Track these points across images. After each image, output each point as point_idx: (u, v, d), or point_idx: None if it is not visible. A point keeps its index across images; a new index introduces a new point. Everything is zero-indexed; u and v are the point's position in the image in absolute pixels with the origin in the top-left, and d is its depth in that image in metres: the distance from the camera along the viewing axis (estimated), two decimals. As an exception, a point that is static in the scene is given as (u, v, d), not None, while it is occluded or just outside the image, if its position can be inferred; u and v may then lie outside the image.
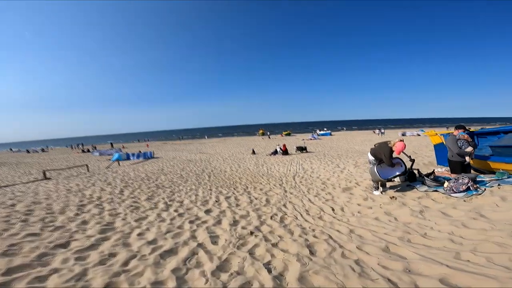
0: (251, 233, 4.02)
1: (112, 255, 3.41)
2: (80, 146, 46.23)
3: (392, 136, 39.63)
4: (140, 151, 24.46)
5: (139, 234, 4.04)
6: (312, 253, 3.23)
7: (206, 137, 63.80)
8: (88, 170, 14.28)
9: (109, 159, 20.91)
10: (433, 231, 3.45)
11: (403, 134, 40.13)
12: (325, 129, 61.21)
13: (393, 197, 5.36)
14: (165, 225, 4.46)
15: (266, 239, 3.75)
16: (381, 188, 5.98)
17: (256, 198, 6.47)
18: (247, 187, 8.01)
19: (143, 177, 10.62)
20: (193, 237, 3.93)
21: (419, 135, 36.75)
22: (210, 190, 7.67)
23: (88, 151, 36.70)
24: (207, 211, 5.33)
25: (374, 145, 6.36)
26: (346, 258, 3.02)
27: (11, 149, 60.06)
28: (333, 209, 5.21)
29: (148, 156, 21.49)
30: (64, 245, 3.72)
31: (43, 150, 45.57)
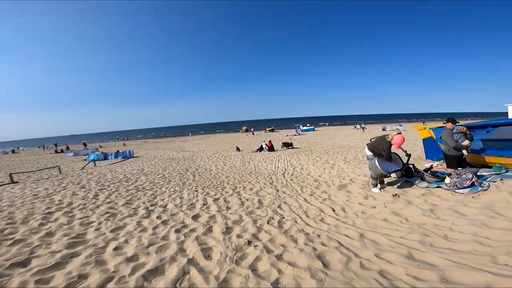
0: (249, 242, 3.50)
1: (82, 276, 2.79)
2: (53, 146, 43.34)
3: (373, 130, 40.52)
4: (118, 151, 23.14)
5: (115, 249, 3.40)
6: (325, 265, 2.78)
7: (190, 134, 62.01)
8: (60, 172, 13.08)
9: (85, 160, 19.56)
10: (454, 232, 3.13)
11: (383, 129, 41.18)
12: (308, 124, 61.73)
13: (395, 194, 5.05)
14: (147, 235, 3.83)
15: (268, 250, 3.26)
16: (379, 185, 5.69)
17: (247, 200, 5.96)
18: (235, 187, 7.48)
19: (121, 179, 9.77)
20: (182, 250, 3.35)
21: (398, 129, 37.83)
22: (196, 191, 7.06)
23: (62, 151, 34.43)
24: (195, 217, 4.73)
25: (370, 140, 6.06)
26: (367, 270, 2.60)
27: (-26, 151, 55.48)
28: (333, 210, 4.81)
29: (127, 156, 20.32)
30: (24, 263, 3.05)
31: (13, 151, 42.41)
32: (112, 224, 4.38)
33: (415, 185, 5.52)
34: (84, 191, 7.54)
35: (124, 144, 40.80)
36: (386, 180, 6.12)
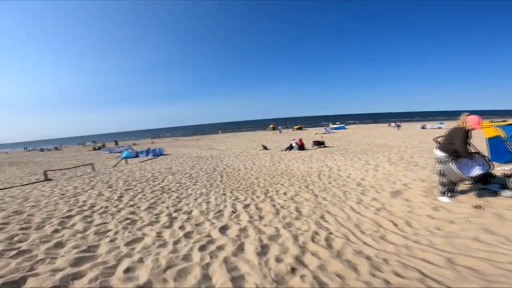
0: (293, 270, 2.67)
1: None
2: (92, 144, 45.97)
3: (409, 128, 37.61)
4: (149, 148, 23.59)
5: (127, 270, 2.76)
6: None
7: (219, 132, 62.29)
8: (93, 170, 13.31)
9: (118, 157, 20.08)
10: None
11: (423, 127, 37.84)
12: (337, 122, 59.14)
13: (478, 206, 3.92)
14: (166, 253, 3.17)
15: (321, 283, 2.39)
16: (449, 193, 4.55)
17: (282, 207, 5.13)
18: (267, 190, 6.69)
19: (148, 178, 9.47)
20: (206, 277, 2.61)
21: (440, 128, 34.51)
22: (224, 194, 6.38)
23: (99, 148, 36.29)
24: (223, 229, 4.01)
25: (436, 141, 4.91)
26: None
27: (25, 148, 60.89)
28: (395, 224, 3.81)
29: (157, 153, 20.53)
30: (17, 283, 2.53)
31: (56, 149, 45.73)
32: (129, 235, 3.80)
33: (497, 194, 4.33)
34: (110, 191, 7.25)
35: (152, 142, 42.01)
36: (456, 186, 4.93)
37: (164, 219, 4.56)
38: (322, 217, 4.38)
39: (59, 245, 3.47)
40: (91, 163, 14.61)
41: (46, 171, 11.52)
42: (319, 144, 18.18)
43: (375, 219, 4.09)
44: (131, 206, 5.57)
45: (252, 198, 5.87)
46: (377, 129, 40.65)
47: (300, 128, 53.66)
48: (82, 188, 8.03)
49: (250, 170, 10.11)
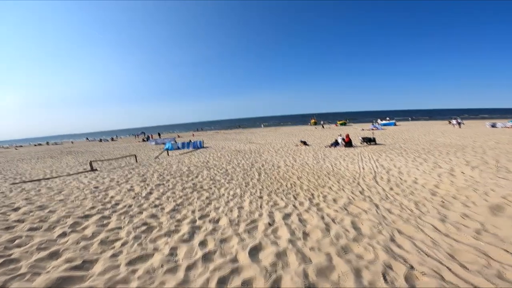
0: None
1: None
2: (142, 135, 49.06)
3: (475, 126, 32.37)
4: (190, 141, 23.88)
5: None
6: None
7: (262, 125, 61.44)
8: (136, 161, 13.53)
9: (161, 149, 20.59)
10: None
11: (493, 125, 32.23)
12: (387, 118, 53.96)
13: None
14: (173, 285, 2.33)
15: None
16: None
17: (333, 220, 3.98)
18: (312, 195, 5.55)
19: (183, 172, 9.00)
20: None
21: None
22: (261, 197, 5.42)
23: (147, 140, 38.39)
24: (254, 250, 3.04)
25: None
26: None
27: (87, 139, 67.55)
28: (518, 265, 2.46)
29: (197, 146, 20.55)
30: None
31: (112, 139, 49.81)
32: (137, 249, 3.08)
33: None
34: (141, 187, 6.85)
35: (192, 135, 43.07)
36: None
37: (185, 228, 3.78)
38: (392, 240, 3.16)
39: (54, 255, 2.90)
40: (134, 154, 14.94)
41: (92, 161, 11.89)
42: (369, 141, 16.15)
43: (479, 247, 2.74)
44: (155, 206, 4.96)
45: (294, 205, 4.80)
46: (436, 126, 35.83)
47: (344, 124, 50.27)
48: (117, 181, 7.84)
49: (291, 168, 9.01)
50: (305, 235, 3.48)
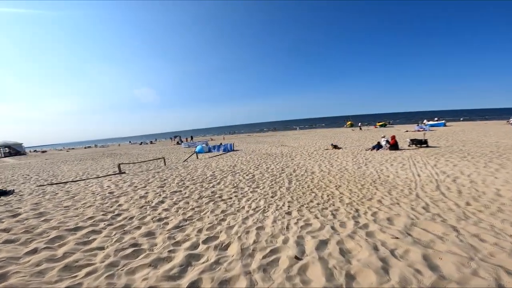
0: None
1: None
2: (177, 138, 50.54)
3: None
4: (221, 143, 23.59)
5: None
6: None
7: (297, 128, 59.41)
8: (164, 164, 13.27)
9: (193, 152, 20.50)
10: None
11: None
12: (435, 119, 48.63)
13: None
14: None
15: None
16: None
17: (393, 253, 2.76)
18: (357, 211, 4.33)
19: (206, 177, 8.25)
20: None
21: None
22: (289, 213, 4.33)
23: (181, 142, 39.28)
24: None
25: None
26: None
27: (130, 142, 71.75)
28: None
29: (228, 149, 20.07)
30: None
31: (151, 142, 52.19)
32: (102, 283, 2.23)
33: None
34: (156, 193, 6.22)
35: (223, 138, 43.15)
36: None
37: (179, 256, 2.84)
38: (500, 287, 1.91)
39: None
40: (163, 157, 14.74)
41: (120, 164, 11.80)
42: (420, 143, 14.04)
43: None
44: (159, 220, 4.17)
45: (332, 227, 3.62)
46: (492, 126, 31.17)
47: (384, 125, 46.36)
48: (135, 186, 7.34)
49: (327, 174, 7.75)
50: (350, 279, 2.34)
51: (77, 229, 3.84)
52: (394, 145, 13.28)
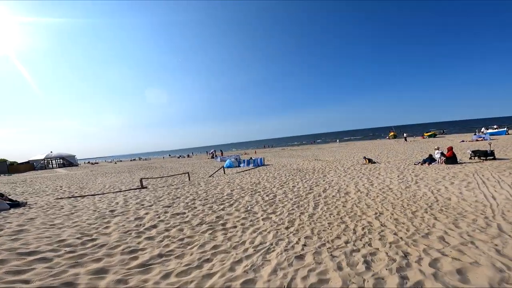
0: None
1: None
2: (213, 152, 51.21)
3: None
4: (251, 158, 22.82)
5: None
6: None
7: (337, 141, 56.45)
8: (189, 179, 12.74)
9: (223, 166, 20.01)
10: None
11: None
12: (495, 126, 42.09)
13: None
14: None
15: None
16: None
17: None
18: (406, 256, 2.94)
19: (221, 197, 7.30)
20: None
21: None
22: (301, 257, 3.07)
23: (214, 157, 39.44)
24: None
25: None
26: None
27: (169, 155, 74.65)
28: None
29: (258, 164, 19.14)
30: None
31: (188, 156, 53.62)
32: None
33: None
34: (156, 214, 5.48)
35: (255, 152, 42.56)
36: None
37: None
38: None
39: None
40: (187, 172, 14.28)
41: (142, 179, 11.50)
42: (485, 155, 11.49)
43: None
44: (131, 252, 3.32)
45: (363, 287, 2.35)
46: None
47: (434, 135, 41.19)
48: (142, 204, 6.75)
49: (365, 196, 6.25)
50: None
51: (31, 253, 3.31)
52: (451, 158, 11.03)
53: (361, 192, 6.70)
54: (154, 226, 4.58)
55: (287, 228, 4.23)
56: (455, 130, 53.13)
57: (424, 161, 11.70)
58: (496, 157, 11.53)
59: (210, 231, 4.20)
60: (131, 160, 53.25)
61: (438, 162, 11.30)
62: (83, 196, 8.80)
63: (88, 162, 50.04)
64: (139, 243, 3.76)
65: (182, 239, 3.85)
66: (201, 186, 9.77)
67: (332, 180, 9.01)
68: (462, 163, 10.84)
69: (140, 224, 4.76)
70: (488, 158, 11.34)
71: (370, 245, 3.37)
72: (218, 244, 3.63)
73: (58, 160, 41.83)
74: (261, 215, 5.11)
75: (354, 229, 3.97)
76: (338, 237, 3.69)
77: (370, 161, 13.74)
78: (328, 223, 4.35)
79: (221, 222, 4.79)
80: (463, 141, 26.55)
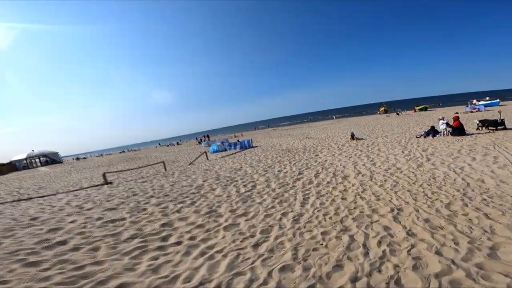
0: None
1: None
2: (201, 137, 49.25)
3: None
4: (238, 140, 21.32)
5: None
6: None
7: (334, 117, 54.47)
8: (165, 169, 11.08)
9: (207, 151, 18.42)
10: None
11: None
12: (487, 98, 41.21)
13: None
14: None
15: None
16: None
17: None
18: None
19: (186, 191, 5.76)
20: None
21: None
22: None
23: (201, 142, 37.57)
24: None
25: None
26: None
27: (159, 144, 71.87)
28: None
29: (245, 146, 17.64)
30: None
31: (177, 143, 51.46)
32: None
33: None
34: (84, 224, 3.84)
35: (241, 134, 41.55)
36: None
37: None
38: None
39: None
40: (163, 162, 12.57)
41: (105, 173, 9.78)
42: (494, 125, 10.16)
43: None
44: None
45: None
46: None
47: (425, 109, 40.13)
48: (82, 207, 5.15)
49: (369, 181, 4.78)
50: None
51: None
52: (458, 129, 9.68)
53: (363, 175, 5.23)
54: (63, 243, 3.01)
55: (255, 246, 2.70)
56: (443, 104, 52.17)
57: (427, 134, 10.32)
58: (507, 127, 10.22)
59: (136, 252, 2.69)
60: (120, 153, 50.77)
61: (443, 134, 9.95)
62: (27, 200, 7.12)
63: (77, 158, 47.34)
64: (11, 271, 2.21)
65: (81, 268, 2.30)
66: (172, 177, 8.20)
67: (325, 161, 7.55)
68: (470, 134, 9.52)
69: (47, 239, 3.18)
70: (498, 128, 10.04)
71: (399, 282, 1.88)
72: (129, 281, 2.08)
73: (41, 159, 39.32)
74: (225, 220, 3.59)
75: (364, 245, 2.48)
76: (338, 265, 2.18)
77: (354, 137, 12.27)
78: (321, 233, 2.83)
79: (164, 234, 3.26)
80: (457, 113, 25.43)
